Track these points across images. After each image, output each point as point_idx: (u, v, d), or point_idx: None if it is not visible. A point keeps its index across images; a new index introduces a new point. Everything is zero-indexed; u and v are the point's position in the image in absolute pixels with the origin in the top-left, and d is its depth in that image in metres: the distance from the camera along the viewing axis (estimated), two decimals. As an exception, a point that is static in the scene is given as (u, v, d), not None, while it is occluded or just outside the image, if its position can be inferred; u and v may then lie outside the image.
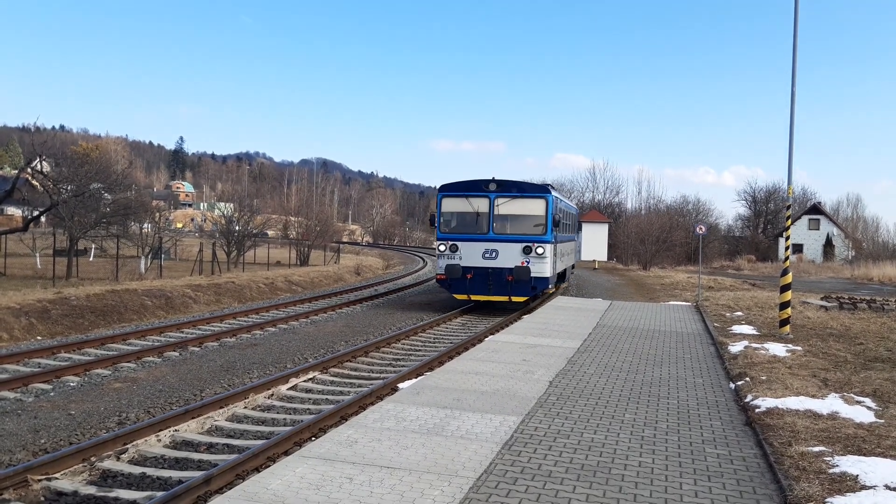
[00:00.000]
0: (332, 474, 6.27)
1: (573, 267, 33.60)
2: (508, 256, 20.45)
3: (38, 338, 16.15)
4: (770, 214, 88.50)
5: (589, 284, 36.65)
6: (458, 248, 20.79)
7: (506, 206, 20.82)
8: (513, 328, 16.04)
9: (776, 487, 6.39)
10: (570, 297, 27.63)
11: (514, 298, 20.75)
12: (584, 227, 69.91)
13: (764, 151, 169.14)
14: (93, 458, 7.97)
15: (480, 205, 20.93)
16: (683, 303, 25.58)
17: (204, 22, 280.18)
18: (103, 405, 10.53)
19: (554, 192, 21.80)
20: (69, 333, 16.82)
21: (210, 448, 8.81)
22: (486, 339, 14.56)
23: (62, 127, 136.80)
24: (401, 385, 11.19)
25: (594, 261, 60.75)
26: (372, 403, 10.35)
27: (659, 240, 58.55)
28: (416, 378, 11.62)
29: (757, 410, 8.92)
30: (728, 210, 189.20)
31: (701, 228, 30.05)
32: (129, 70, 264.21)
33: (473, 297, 21.13)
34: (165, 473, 7.74)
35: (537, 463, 6.79)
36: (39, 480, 7.26)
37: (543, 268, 20.53)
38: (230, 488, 6.45)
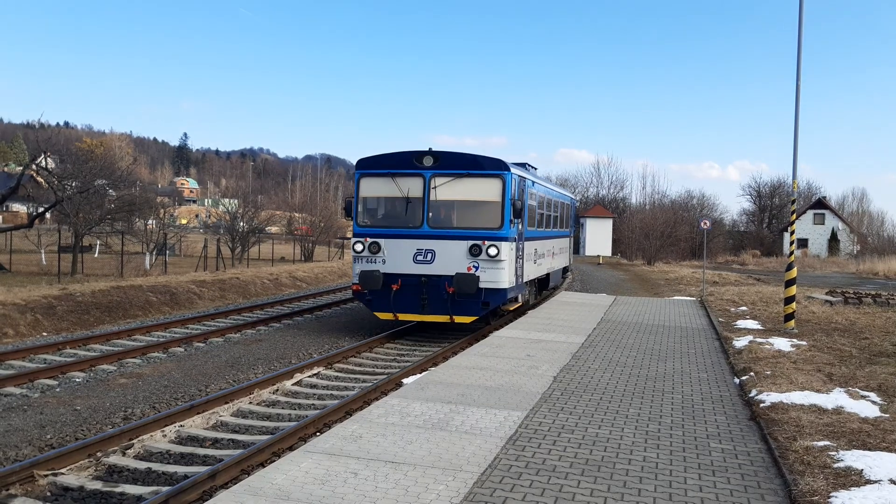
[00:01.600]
0: (336, 469, 6.29)
1: (566, 270, 28.60)
2: (449, 259, 15.13)
3: (44, 334, 16.20)
4: (775, 209, 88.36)
5: (593, 280, 36.64)
6: (380, 247, 15.46)
7: (447, 189, 15.40)
8: (517, 323, 16.05)
9: (781, 482, 6.39)
10: (575, 292, 27.62)
11: (458, 318, 15.30)
12: (589, 221, 69.96)
13: (768, 146, 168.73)
14: (98, 454, 8.01)
15: (412, 186, 15.49)
16: (688, 298, 25.56)
17: (205, 17, 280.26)
18: (109, 401, 10.57)
19: (517, 170, 16.42)
20: (74, 329, 16.87)
21: (215, 443, 8.84)
22: (491, 334, 14.57)
23: (66, 123, 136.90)
24: (405, 380, 11.22)
25: (598, 256, 60.77)
26: (376, 399, 10.38)
27: (663, 235, 58.46)
28: (420, 373, 11.63)
29: (761, 405, 8.92)
30: (732, 205, 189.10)
31: (705, 223, 30.01)
32: (133, 66, 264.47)
33: (401, 317, 15.67)
34: (171, 468, 7.77)
35: (542, 458, 6.80)
36: (45, 475, 7.29)
37: (498, 275, 15.08)
38: (235, 483, 6.47)
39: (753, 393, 9.59)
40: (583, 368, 11.17)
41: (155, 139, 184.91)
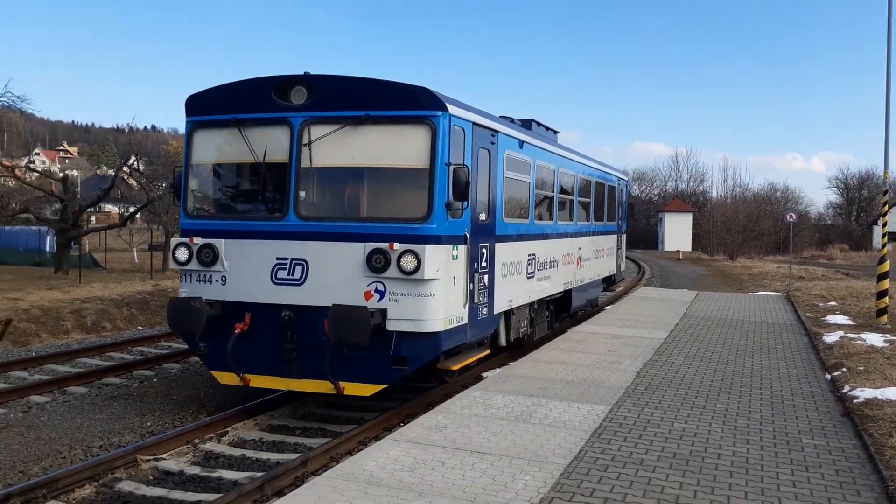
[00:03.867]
0: (424, 457, 6.43)
1: (610, 280, 19.85)
2: (332, 276, 8.67)
3: (139, 327, 16.97)
4: (863, 201, 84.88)
5: (673, 275, 36.02)
6: (216, 253, 9.08)
7: (331, 146, 8.85)
8: (595, 319, 15.94)
9: (877, 478, 6.21)
10: (654, 287, 27.21)
11: (349, 388, 8.76)
12: (667, 216, 68.66)
13: (854, 136, 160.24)
14: (196, 441, 8.38)
15: (270, 143, 9.03)
16: (773, 293, 24.85)
17: (275, 21, 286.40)
18: (202, 391, 11.03)
19: (466, 113, 9.26)
20: (167, 323, 17.59)
21: (304, 432, 9.12)
22: (569, 329, 14.51)
23: (153, 127, 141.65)
24: (485, 374, 11.29)
25: (678, 251, 59.62)
26: (457, 392, 10.49)
27: (746, 229, 56.93)
28: (500, 367, 11.69)
29: (855, 401, 8.65)
30: (818, 197, 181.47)
31: (791, 216, 29.13)
32: (216, 69, 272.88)
33: (254, 382, 9.16)
34: (264, 455, 8.08)
35: (628, 451, 6.78)
36: (148, 460, 7.68)
37: (421, 307, 8.49)
38: (326, 469, 6.68)
39: (846, 389, 9.29)
40: (666, 364, 11.04)
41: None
